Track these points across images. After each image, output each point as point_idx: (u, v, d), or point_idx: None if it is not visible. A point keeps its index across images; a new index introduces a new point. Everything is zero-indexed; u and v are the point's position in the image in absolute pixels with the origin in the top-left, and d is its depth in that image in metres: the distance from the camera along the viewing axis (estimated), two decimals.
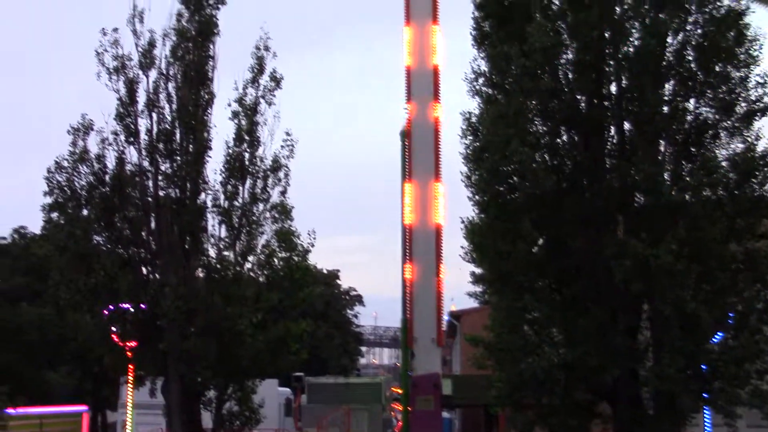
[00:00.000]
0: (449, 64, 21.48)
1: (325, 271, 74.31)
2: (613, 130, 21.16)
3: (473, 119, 22.33)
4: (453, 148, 22.40)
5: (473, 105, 22.45)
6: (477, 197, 22.35)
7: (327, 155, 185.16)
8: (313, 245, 28.03)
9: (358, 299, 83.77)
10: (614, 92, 21.09)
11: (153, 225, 27.32)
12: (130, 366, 27.62)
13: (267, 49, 28.22)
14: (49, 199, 27.41)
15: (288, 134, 28.00)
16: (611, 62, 20.86)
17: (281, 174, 27.82)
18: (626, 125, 20.97)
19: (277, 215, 27.68)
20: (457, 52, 23.18)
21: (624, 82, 20.76)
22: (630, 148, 20.61)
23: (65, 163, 27.12)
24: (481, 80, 22.13)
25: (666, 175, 20.25)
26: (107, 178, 27.26)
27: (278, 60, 28.25)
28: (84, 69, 31.98)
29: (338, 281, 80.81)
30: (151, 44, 27.62)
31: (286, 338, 27.38)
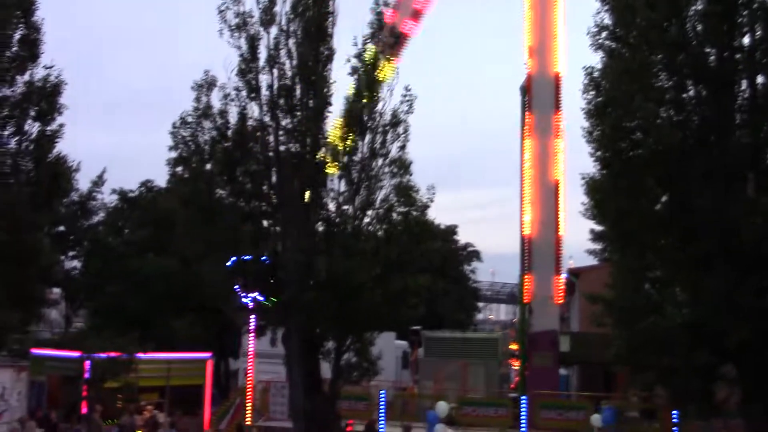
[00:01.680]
0: (571, 18, 20.97)
1: (443, 227, 74.31)
2: (744, 84, 20.31)
3: (596, 74, 21.78)
4: (574, 103, 21.94)
5: (596, 59, 21.90)
6: (599, 153, 21.90)
7: (447, 110, 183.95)
8: (432, 200, 28.00)
9: (476, 255, 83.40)
10: (746, 44, 20.19)
11: (274, 179, 27.75)
12: (251, 316, 28.34)
13: (386, 4, 28.06)
14: (174, 154, 28.12)
15: (407, 90, 27.83)
16: (744, 12, 19.97)
17: (400, 129, 27.73)
18: (759, 79, 20.09)
19: (396, 170, 27.67)
20: (579, 5, 22.57)
21: (758, 33, 19.85)
22: (762, 103, 19.77)
23: (189, 119, 27.78)
24: (604, 34, 21.57)
25: None
26: (230, 133, 27.76)
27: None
28: (207, 26, 32.50)
29: (456, 237, 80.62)
30: (272, 1, 27.83)
31: (404, 292, 27.54)
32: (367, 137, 27.73)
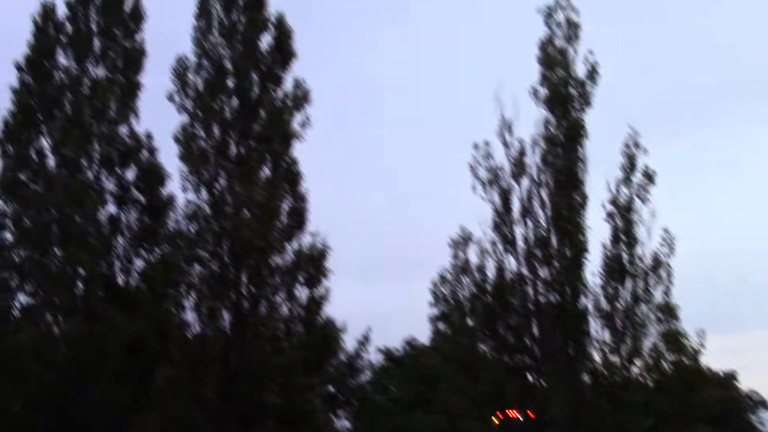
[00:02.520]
0: None
1: (721, 373, 69.68)
2: None
3: None
4: None
5: None
6: None
7: (710, 247, 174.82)
8: (703, 345, 26.53)
9: (762, 403, 77.11)
10: None
11: (536, 331, 27.44)
12: None
13: (637, 146, 27.79)
14: (435, 310, 28.68)
15: (666, 231, 27.11)
16: None
17: (662, 272, 26.83)
18: None
19: (662, 316, 26.58)
20: None
21: None
22: None
23: (448, 275, 28.36)
24: None
25: None
26: (488, 287, 27.99)
27: (650, 155, 27.72)
28: (457, 182, 33.31)
29: (737, 383, 75.12)
30: (521, 153, 28.33)
31: None
32: (628, 283, 26.97)
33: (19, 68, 28.62)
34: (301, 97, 27.99)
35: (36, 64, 28.70)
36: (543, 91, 28.68)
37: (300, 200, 27.90)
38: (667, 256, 26.90)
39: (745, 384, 76.20)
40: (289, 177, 27.75)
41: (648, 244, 27.09)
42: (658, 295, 26.80)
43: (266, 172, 27.70)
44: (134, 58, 29.39)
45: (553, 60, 28.71)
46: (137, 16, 29.82)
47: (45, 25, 29.20)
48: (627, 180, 27.54)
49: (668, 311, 26.55)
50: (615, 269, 26.98)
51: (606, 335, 26.90)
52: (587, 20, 29.28)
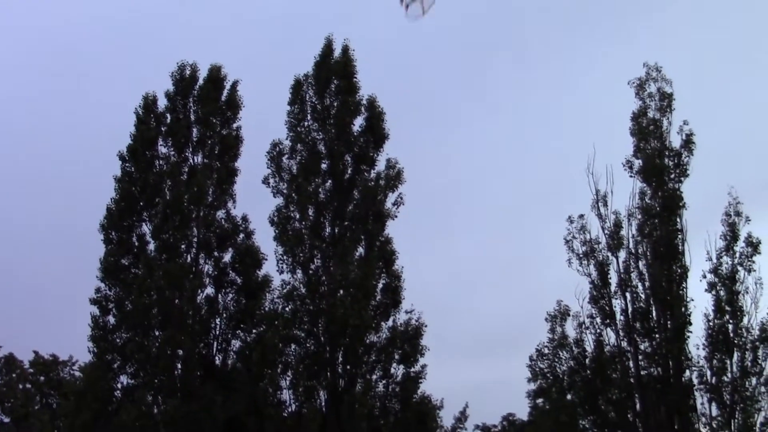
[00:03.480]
0: None
1: None
2: None
3: None
4: None
5: None
6: None
7: None
8: None
9: None
10: None
11: (638, 406, 26.54)
12: None
13: (738, 214, 27.06)
14: (533, 386, 28.09)
15: None
16: None
17: None
18: None
19: None
20: None
21: None
22: None
23: (545, 350, 27.79)
24: None
25: None
26: (587, 361, 27.33)
27: (753, 224, 26.97)
28: (553, 256, 32.89)
29: None
30: (617, 225, 27.91)
31: None
32: (736, 355, 25.96)
33: (122, 158, 29.81)
34: (393, 177, 28.28)
35: (138, 153, 29.87)
36: (637, 163, 28.38)
37: (395, 278, 27.86)
38: None
39: None
40: (383, 256, 27.81)
41: (755, 315, 26.12)
42: None
43: (360, 251, 27.82)
44: (230, 145, 30.35)
45: (647, 131, 28.42)
46: (233, 104, 30.92)
47: (146, 117, 30.49)
48: (729, 249, 26.75)
49: None
50: (720, 341, 26.03)
51: (713, 410, 25.86)
52: (682, 88, 29.12)
